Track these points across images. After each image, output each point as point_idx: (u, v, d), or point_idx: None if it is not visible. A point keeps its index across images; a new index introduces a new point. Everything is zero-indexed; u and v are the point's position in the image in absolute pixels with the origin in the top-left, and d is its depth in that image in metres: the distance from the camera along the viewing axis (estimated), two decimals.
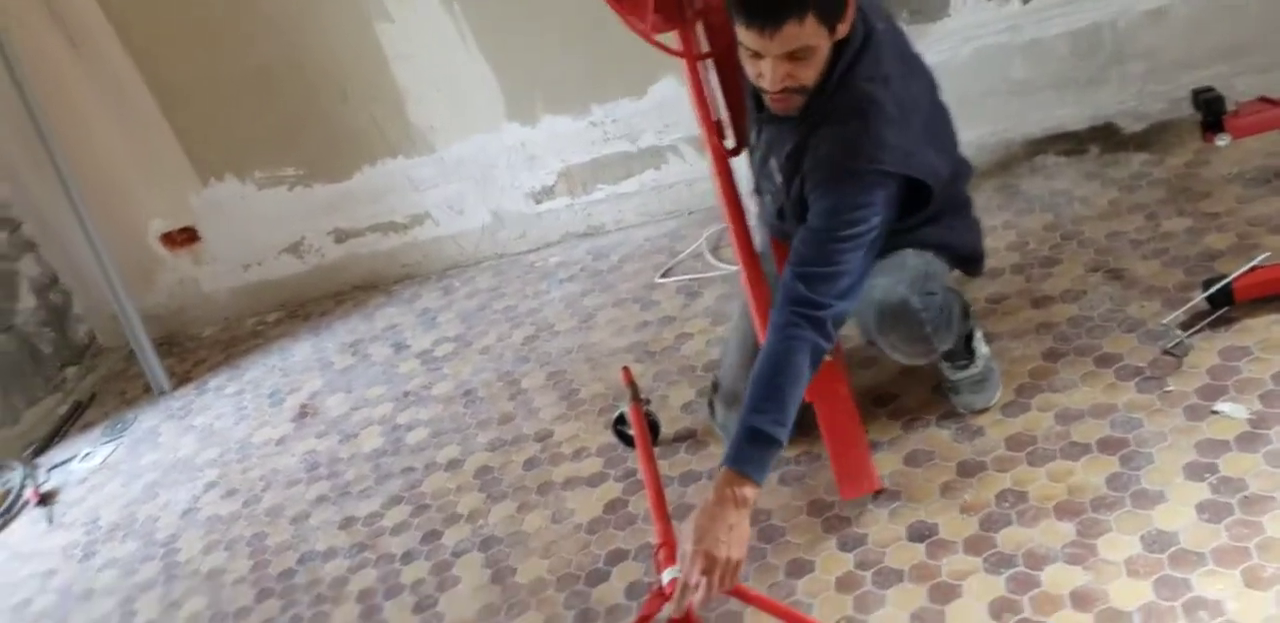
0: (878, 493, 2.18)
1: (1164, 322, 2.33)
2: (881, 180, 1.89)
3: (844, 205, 1.88)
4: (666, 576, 1.80)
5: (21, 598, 2.93)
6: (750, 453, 1.80)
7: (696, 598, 1.69)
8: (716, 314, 3.04)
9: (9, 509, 3.36)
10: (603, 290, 3.43)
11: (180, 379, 3.90)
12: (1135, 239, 2.67)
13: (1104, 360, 2.34)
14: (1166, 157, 3.00)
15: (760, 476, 1.79)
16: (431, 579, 2.44)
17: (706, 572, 1.69)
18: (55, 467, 3.58)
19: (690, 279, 3.29)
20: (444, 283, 3.92)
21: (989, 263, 2.76)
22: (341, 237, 4.04)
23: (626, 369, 2.59)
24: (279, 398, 3.52)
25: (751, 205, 2.39)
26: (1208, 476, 1.98)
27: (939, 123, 2.09)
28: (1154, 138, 3.11)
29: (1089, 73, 3.21)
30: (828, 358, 2.03)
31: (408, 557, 2.54)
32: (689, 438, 2.57)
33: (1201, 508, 1.92)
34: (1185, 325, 2.30)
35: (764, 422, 1.79)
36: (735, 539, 1.72)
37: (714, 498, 1.75)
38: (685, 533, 1.75)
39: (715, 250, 3.39)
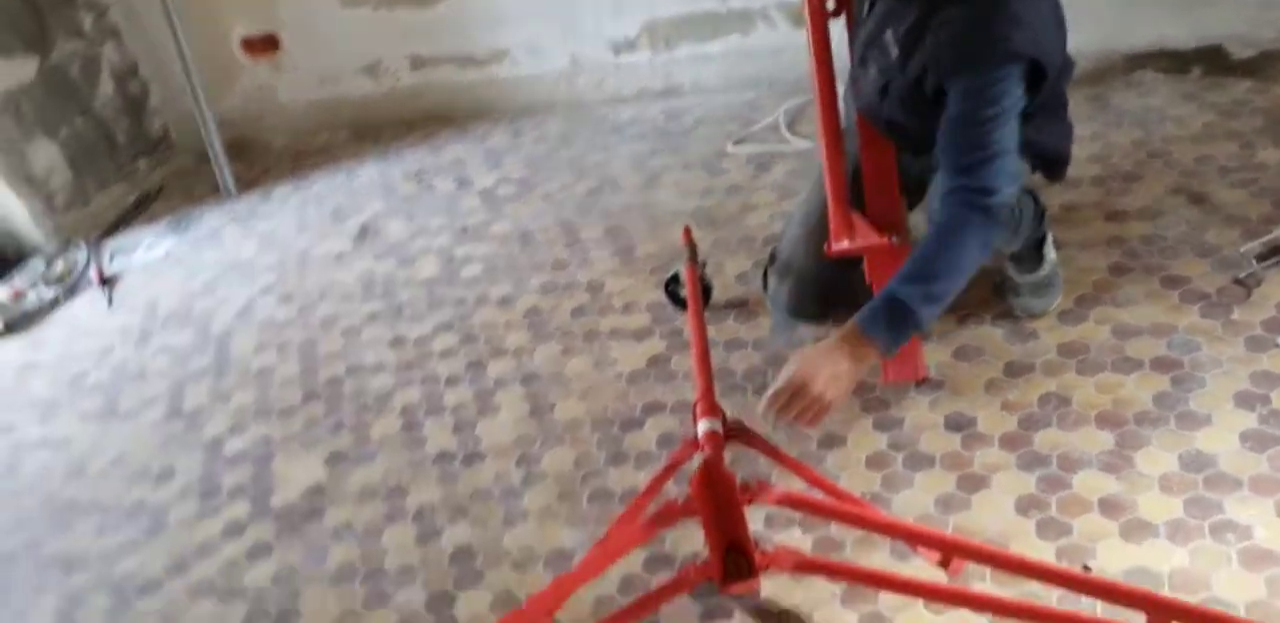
0: (920, 382, 2.22)
1: (1240, 250, 2.32)
2: (1014, 59, 1.81)
3: (981, 83, 1.81)
4: (702, 427, 1.86)
5: (79, 370, 3.08)
6: (882, 320, 1.71)
7: (770, 417, 1.71)
8: (784, 189, 3.05)
9: (73, 286, 3.49)
10: (672, 152, 3.44)
11: (247, 184, 3.97)
12: (1225, 166, 2.64)
13: (1171, 281, 2.33)
14: (1272, 86, 2.93)
15: (885, 344, 1.71)
16: (472, 405, 2.53)
17: (795, 397, 1.68)
18: (119, 252, 3.69)
19: (762, 151, 3.29)
20: (514, 125, 3.92)
21: (1069, 171, 2.77)
22: (418, 64, 4.03)
23: (688, 229, 2.62)
24: (342, 216, 3.58)
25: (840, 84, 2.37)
26: (1259, 406, 1.99)
27: (1059, 11, 2.05)
28: (1261, 66, 3.03)
29: None
30: (896, 242, 2.05)
31: (452, 381, 2.63)
32: (739, 307, 2.62)
33: (1246, 437, 1.94)
34: (1261, 257, 2.29)
35: (907, 294, 1.71)
36: (835, 383, 1.67)
37: (833, 343, 1.70)
38: (791, 360, 1.72)
39: (791, 125, 3.37)
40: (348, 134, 4.19)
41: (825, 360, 1.68)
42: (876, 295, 1.75)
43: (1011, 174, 1.80)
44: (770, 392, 1.70)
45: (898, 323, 1.71)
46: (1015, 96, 1.82)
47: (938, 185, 1.90)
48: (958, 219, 1.78)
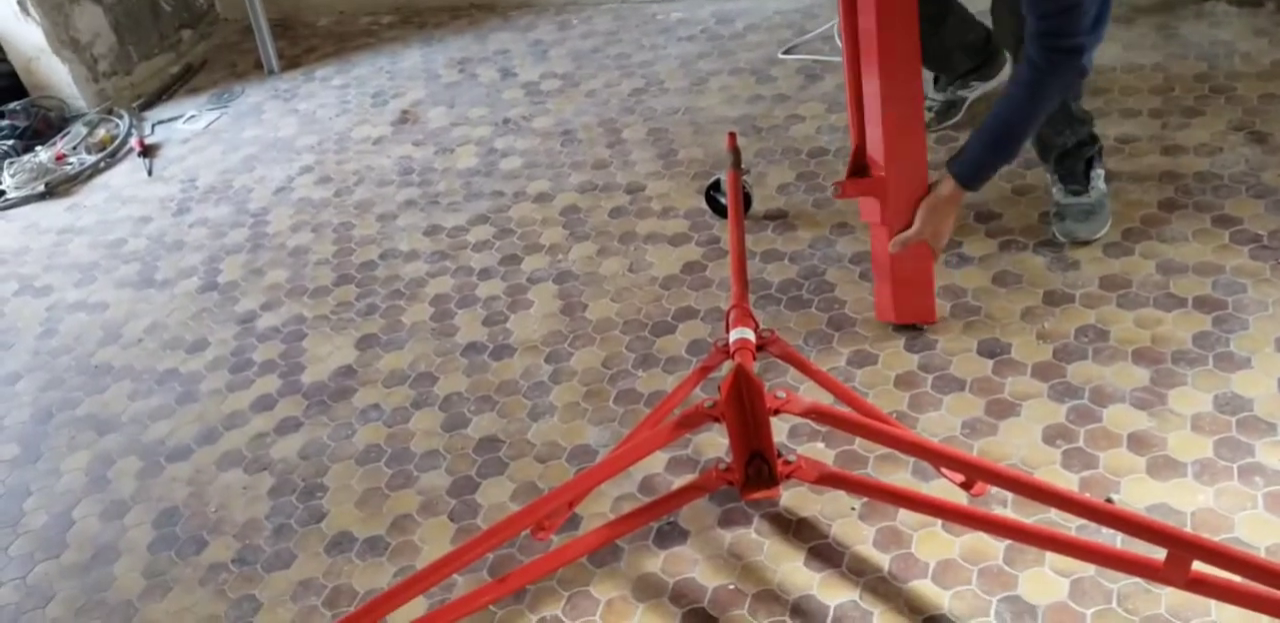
0: (929, 323, 2.20)
1: None
2: None
3: None
4: (734, 336, 1.87)
5: (117, 237, 3.09)
6: (975, 175, 2.00)
7: (903, 240, 2.04)
8: (833, 101, 3.00)
9: (114, 153, 3.49)
10: (721, 56, 3.38)
11: (289, 63, 3.93)
12: None
13: (1222, 221, 2.31)
14: None
15: (976, 187, 2.02)
16: (505, 298, 2.54)
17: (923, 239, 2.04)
18: (160, 122, 3.68)
19: (814, 60, 3.23)
20: (562, 18, 3.86)
21: (1127, 102, 2.72)
22: None
23: (732, 135, 2.59)
24: (383, 99, 3.55)
25: None
26: None
27: None
28: None
29: None
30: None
31: (485, 273, 2.64)
32: (779, 219, 2.60)
33: None
34: None
35: (994, 156, 2.00)
36: (947, 229, 2.06)
37: (946, 199, 2.01)
38: (918, 218, 2.03)
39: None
40: (392, 18, 4.13)
41: (942, 216, 2.03)
42: (971, 155, 1.99)
43: (1095, 23, 1.81)
44: (903, 240, 2.05)
45: (985, 173, 2.01)
46: None
47: (1028, 26, 1.89)
48: (1044, 63, 1.84)
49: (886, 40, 1.85)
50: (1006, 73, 2.67)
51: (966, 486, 1.80)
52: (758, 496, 1.76)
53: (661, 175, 2.87)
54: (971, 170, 1.99)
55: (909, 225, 2.04)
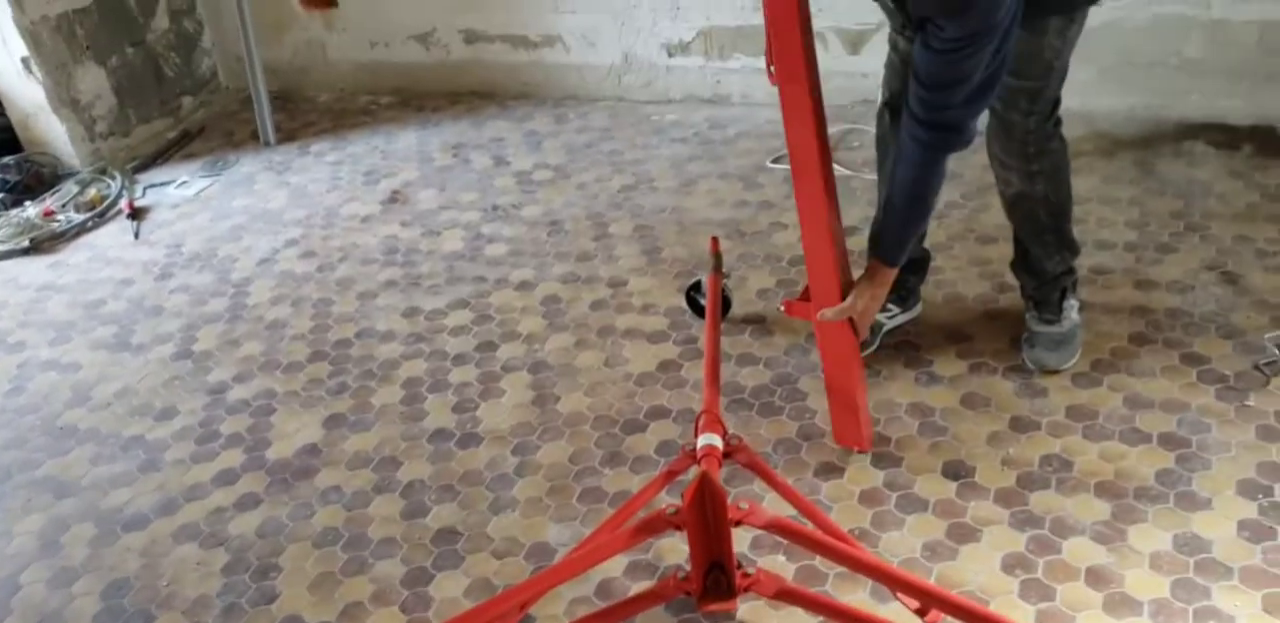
0: (862, 451, 2.21)
1: (1266, 337, 2.34)
2: None
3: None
4: (701, 442, 1.88)
5: (97, 297, 3.09)
6: (904, 252, 2.02)
7: (834, 313, 2.00)
8: None
9: (102, 214, 3.50)
10: (711, 160, 3.45)
11: (286, 135, 3.98)
12: (1262, 250, 2.66)
13: (1191, 359, 2.36)
14: None
15: (895, 263, 2.03)
16: (477, 385, 2.55)
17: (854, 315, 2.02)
18: (152, 186, 3.70)
19: None
20: (558, 111, 3.93)
21: (1103, 233, 2.78)
22: (471, 38, 4.04)
23: (715, 240, 2.64)
24: (374, 178, 3.59)
25: None
26: (1261, 497, 2.00)
27: None
28: None
29: (1269, 69, 3.14)
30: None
31: (460, 359, 2.65)
32: (756, 323, 2.64)
33: (1244, 526, 1.95)
34: None
35: (911, 231, 2.03)
36: (873, 310, 2.05)
37: (879, 282, 2.02)
38: (855, 294, 2.01)
39: (834, 149, 3.39)
40: (391, 99, 4.20)
41: (873, 296, 2.03)
42: (886, 228, 2.03)
43: (974, 88, 1.81)
44: (837, 312, 2.01)
45: (906, 249, 2.03)
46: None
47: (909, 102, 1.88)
48: (931, 139, 1.86)
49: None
50: (918, 309, 2.61)
51: (921, 612, 1.79)
52: (714, 607, 1.74)
53: (644, 272, 2.91)
54: (895, 251, 2.01)
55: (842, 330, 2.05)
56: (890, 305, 2.52)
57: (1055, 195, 2.26)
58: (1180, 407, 2.23)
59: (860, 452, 2.20)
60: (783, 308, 2.11)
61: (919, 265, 2.55)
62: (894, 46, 2.22)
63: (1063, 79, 2.11)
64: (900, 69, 2.18)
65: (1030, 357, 2.37)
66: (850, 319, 2.02)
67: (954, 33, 1.68)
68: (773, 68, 1.88)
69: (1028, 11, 1.88)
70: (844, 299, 2.00)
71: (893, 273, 2.02)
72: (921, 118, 1.81)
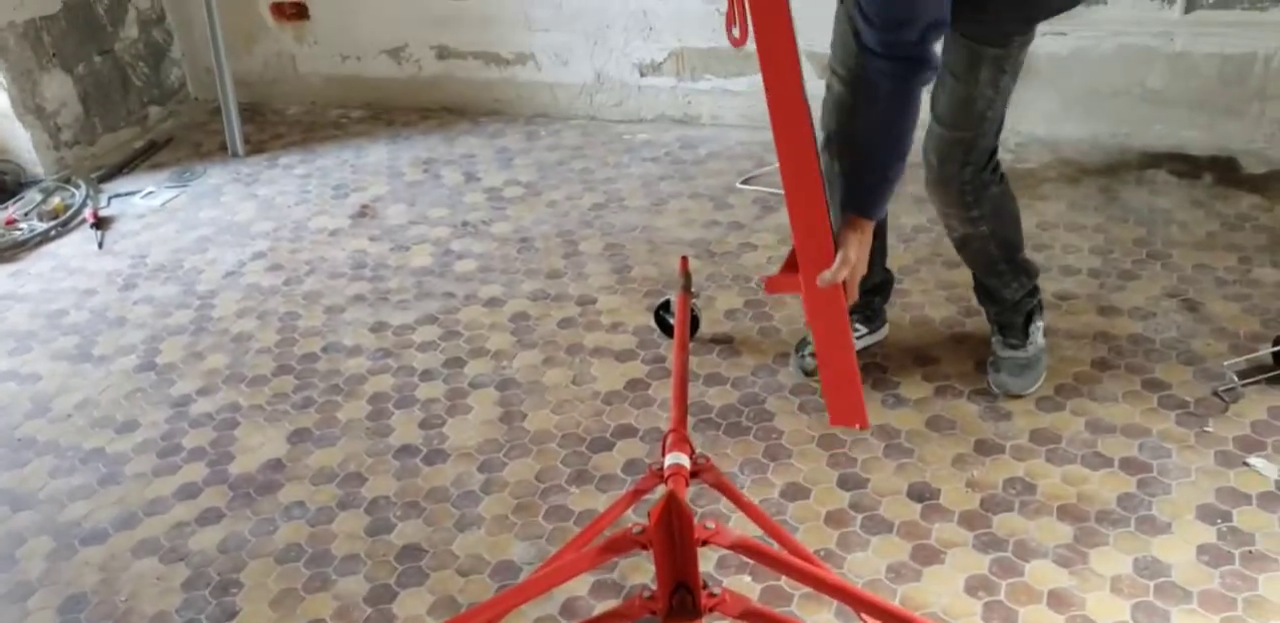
0: (862, 427, 2.24)
1: (1225, 364, 2.37)
2: None
3: None
4: (668, 461, 1.88)
5: (59, 307, 3.05)
6: (882, 203, 1.95)
7: (828, 276, 1.84)
8: (786, 233, 3.07)
9: (66, 223, 3.46)
10: (682, 180, 3.47)
11: (255, 147, 3.96)
12: (1222, 278, 2.71)
13: (1152, 384, 2.38)
14: (1277, 205, 3.01)
15: (875, 215, 1.93)
16: (444, 401, 2.54)
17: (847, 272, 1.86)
18: (118, 196, 3.66)
19: (770, 192, 3.31)
20: (530, 128, 3.94)
21: (1068, 259, 2.82)
22: (444, 54, 4.04)
23: (685, 259, 2.64)
24: (343, 192, 3.58)
25: None
26: (1219, 522, 2.03)
27: None
28: (1272, 184, 3.11)
29: (1228, 102, 3.20)
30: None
31: (427, 375, 2.64)
32: (725, 344, 2.64)
33: (1203, 550, 1.97)
34: (1244, 374, 2.34)
35: (890, 179, 1.92)
36: (863, 262, 1.93)
37: (861, 234, 1.88)
38: (844, 249, 1.85)
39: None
40: (362, 113, 4.19)
41: (856, 250, 1.89)
42: (864, 180, 1.96)
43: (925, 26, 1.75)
44: (835, 270, 1.84)
45: (884, 200, 1.96)
46: None
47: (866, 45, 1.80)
48: (899, 70, 1.78)
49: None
50: (885, 331, 2.60)
51: None
52: None
53: (614, 290, 2.91)
54: (875, 203, 1.92)
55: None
56: (857, 325, 2.51)
57: (1002, 231, 2.27)
58: (1141, 432, 2.26)
59: (861, 429, 2.22)
60: (764, 286, 2.04)
61: (883, 287, 2.55)
62: (830, 87, 2.19)
63: (998, 130, 2.10)
64: (842, 102, 2.16)
65: (995, 381, 2.39)
66: (843, 282, 1.88)
67: None
68: (735, 30, 1.73)
69: (964, 53, 1.94)
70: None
71: (872, 225, 1.92)
72: (882, 53, 1.74)
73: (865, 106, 1.91)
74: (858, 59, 1.80)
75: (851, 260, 1.86)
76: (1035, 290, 2.41)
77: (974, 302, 2.50)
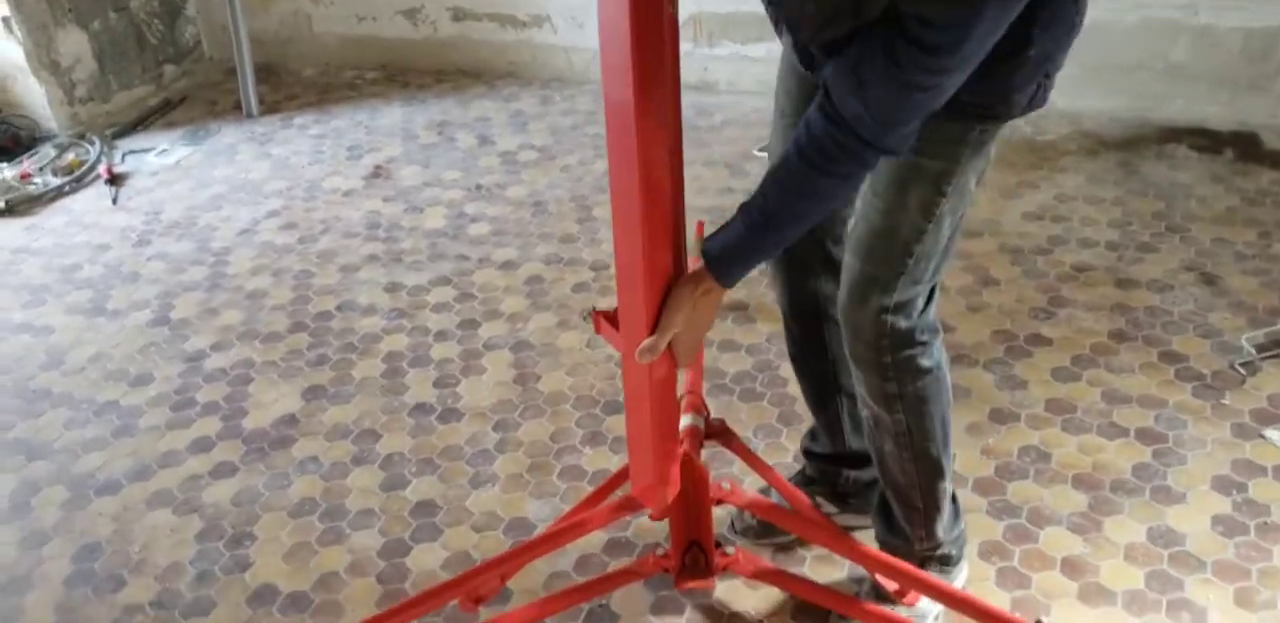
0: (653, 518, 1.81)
1: (1243, 337, 2.37)
2: None
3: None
4: (684, 421, 1.87)
5: (73, 262, 3.05)
6: (739, 275, 1.41)
7: (648, 346, 1.36)
8: None
9: (80, 178, 3.45)
10: (697, 147, 3.45)
11: (269, 107, 3.94)
12: (1241, 252, 2.70)
13: (1169, 357, 2.38)
14: None
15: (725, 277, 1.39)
16: (459, 362, 2.54)
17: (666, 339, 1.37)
18: (132, 153, 3.65)
19: None
20: (545, 92, 3.92)
21: (1086, 231, 2.81)
22: (459, 15, 4.01)
23: (701, 224, 2.63)
24: (357, 153, 3.57)
25: None
26: (1234, 493, 2.03)
27: None
28: None
29: (1251, 77, 3.18)
30: None
31: (441, 335, 2.64)
32: (739, 310, 2.64)
33: (1218, 521, 1.98)
34: (1261, 348, 2.34)
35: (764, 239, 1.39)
36: (697, 330, 1.42)
37: (699, 299, 1.38)
38: (670, 310, 1.37)
39: None
40: (377, 74, 4.17)
41: (688, 310, 1.38)
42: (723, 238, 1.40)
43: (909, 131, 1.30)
44: (651, 346, 1.38)
45: (742, 261, 1.40)
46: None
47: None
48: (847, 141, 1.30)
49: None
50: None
51: (899, 594, 1.80)
52: (692, 585, 1.75)
53: None
54: (737, 268, 1.38)
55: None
56: (819, 500, 1.97)
57: (922, 436, 1.64)
58: (1158, 403, 2.26)
59: (655, 519, 1.83)
60: (589, 319, 1.50)
61: (850, 459, 1.93)
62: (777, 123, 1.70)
63: (933, 273, 1.54)
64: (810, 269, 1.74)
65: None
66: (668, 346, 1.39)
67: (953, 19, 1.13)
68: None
69: (892, 166, 1.43)
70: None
71: (722, 293, 1.41)
72: (870, 142, 1.26)
73: (808, 169, 1.31)
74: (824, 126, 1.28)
75: (674, 328, 1.36)
76: (949, 558, 1.81)
77: (992, 271, 2.47)
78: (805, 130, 1.29)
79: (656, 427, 1.50)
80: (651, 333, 1.37)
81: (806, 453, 2.00)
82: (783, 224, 1.35)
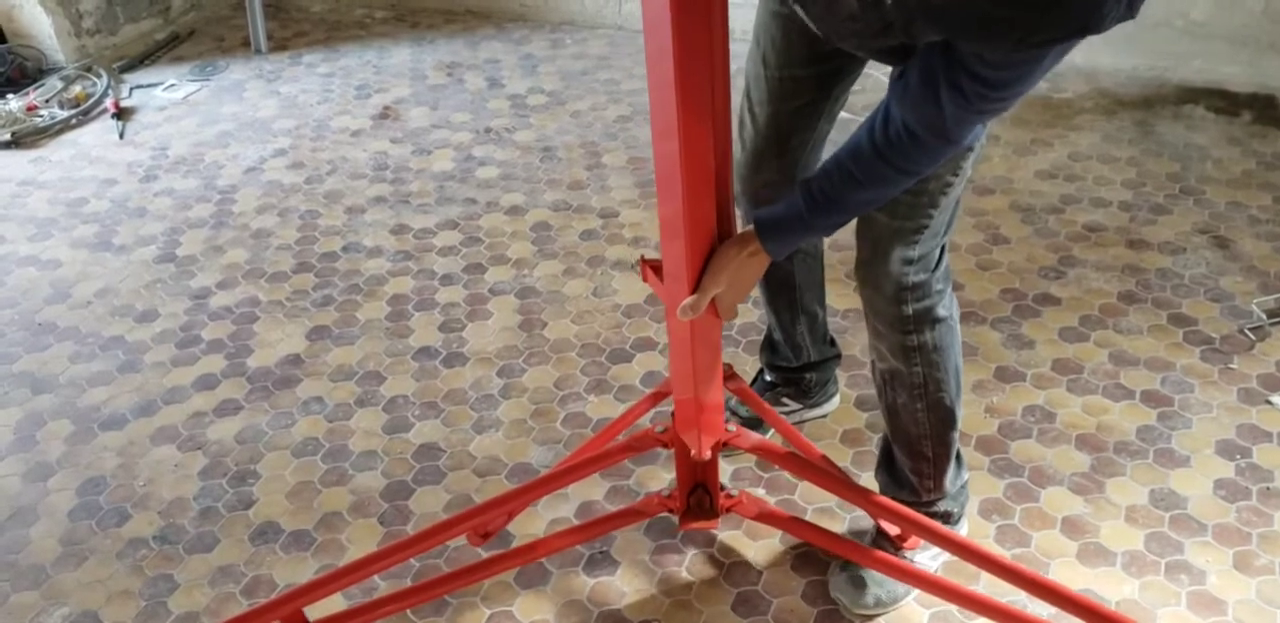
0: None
1: (1254, 302, 2.36)
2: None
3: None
4: None
5: (79, 196, 3.03)
6: (787, 249, 1.43)
7: (689, 305, 1.39)
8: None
9: (87, 112, 3.42)
10: None
11: (277, 44, 3.90)
12: (1255, 216, 2.68)
13: (1178, 319, 2.37)
14: None
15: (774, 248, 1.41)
16: (464, 306, 2.53)
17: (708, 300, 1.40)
18: (139, 87, 3.62)
19: None
20: (556, 35, 3.87)
21: (1099, 191, 2.78)
22: None
23: None
24: (366, 93, 3.53)
25: None
26: (1238, 458, 2.03)
27: None
28: None
29: (1273, 37, 3.13)
30: None
31: (447, 279, 2.63)
32: None
33: (1220, 485, 1.98)
34: (1271, 313, 2.33)
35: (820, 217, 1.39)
36: (740, 289, 1.43)
37: (744, 260, 1.40)
38: (713, 272, 1.39)
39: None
40: (386, 13, 4.12)
41: (732, 271, 1.40)
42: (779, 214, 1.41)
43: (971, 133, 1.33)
44: (694, 304, 1.40)
45: (785, 243, 1.43)
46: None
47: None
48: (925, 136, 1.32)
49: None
50: (832, 404, 2.18)
51: (900, 539, 1.81)
52: (696, 526, 1.76)
53: (636, 204, 2.88)
54: (785, 243, 1.40)
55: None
56: (784, 399, 2.13)
57: (937, 387, 1.68)
58: (1165, 366, 2.25)
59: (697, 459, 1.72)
60: (637, 269, 1.50)
61: (819, 366, 2.10)
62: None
63: (950, 222, 1.57)
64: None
65: (834, 585, 1.83)
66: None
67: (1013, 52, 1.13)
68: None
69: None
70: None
71: (768, 260, 1.41)
72: (942, 137, 1.27)
73: (880, 162, 1.32)
74: (900, 124, 1.29)
75: (717, 289, 1.39)
76: (950, 515, 1.82)
77: (1003, 229, 2.46)
78: (882, 122, 1.30)
79: (700, 372, 1.52)
80: (694, 291, 1.38)
81: (770, 366, 2.14)
82: (843, 208, 1.38)
